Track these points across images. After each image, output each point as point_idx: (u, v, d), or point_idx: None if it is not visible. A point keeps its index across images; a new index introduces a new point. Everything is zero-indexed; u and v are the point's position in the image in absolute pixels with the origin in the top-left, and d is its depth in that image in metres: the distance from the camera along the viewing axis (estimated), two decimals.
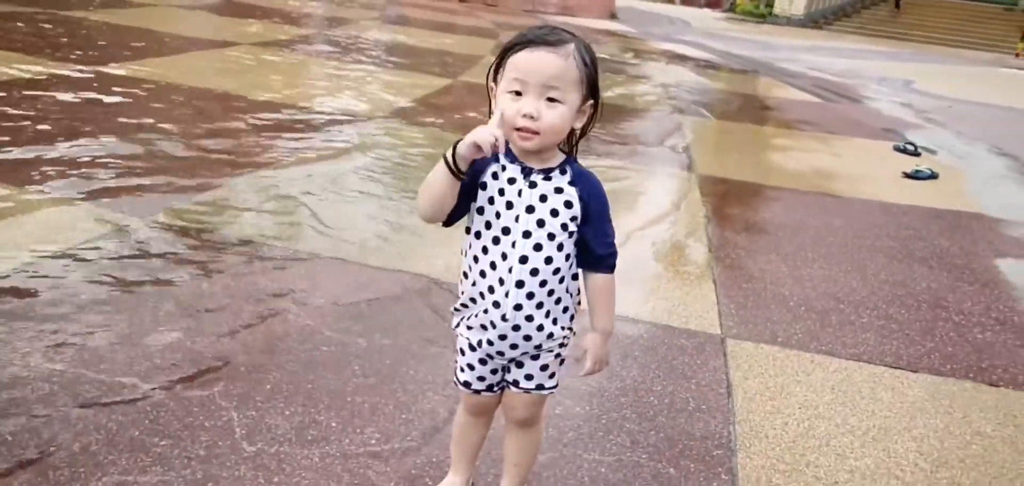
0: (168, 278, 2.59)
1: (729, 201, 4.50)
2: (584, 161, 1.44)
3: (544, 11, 19.10)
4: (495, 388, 1.53)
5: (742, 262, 3.47)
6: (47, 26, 7.00)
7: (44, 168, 3.42)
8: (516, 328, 1.40)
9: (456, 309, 1.49)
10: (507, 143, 1.33)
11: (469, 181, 1.33)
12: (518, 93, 1.31)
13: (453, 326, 1.52)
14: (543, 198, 1.36)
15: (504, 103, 1.32)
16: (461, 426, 1.65)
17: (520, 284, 1.37)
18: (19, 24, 6.91)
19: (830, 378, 2.50)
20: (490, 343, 1.44)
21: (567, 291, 1.43)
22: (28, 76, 5.04)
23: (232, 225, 3.12)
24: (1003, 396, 2.52)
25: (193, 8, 10.28)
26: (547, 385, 1.50)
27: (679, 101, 8.07)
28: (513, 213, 1.36)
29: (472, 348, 1.48)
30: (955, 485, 2.02)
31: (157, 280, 2.56)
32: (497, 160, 1.32)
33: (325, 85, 6.42)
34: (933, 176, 5.49)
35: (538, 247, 1.36)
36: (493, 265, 1.38)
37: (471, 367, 1.50)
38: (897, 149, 6.38)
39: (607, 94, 7.54)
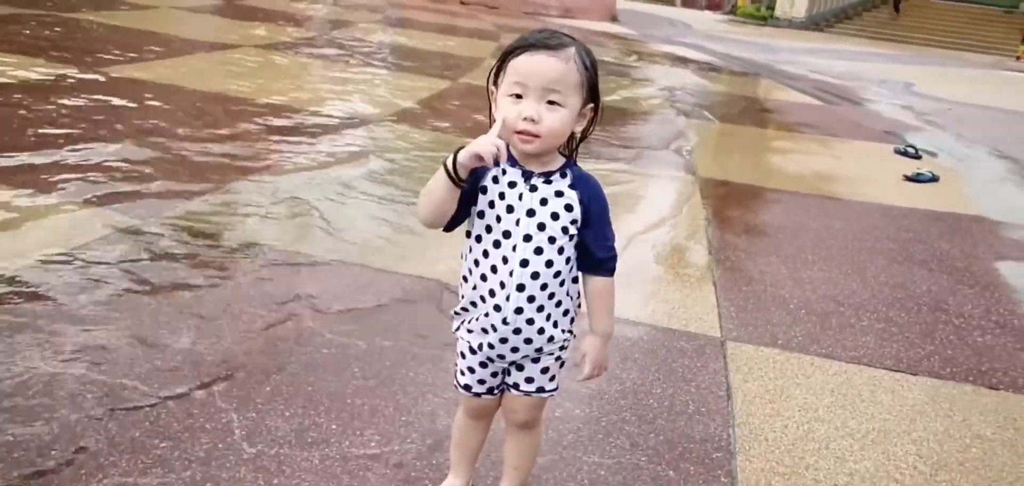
0: (169, 282, 2.60)
1: (729, 203, 4.51)
2: (585, 164, 1.44)
3: (545, 13, 19.11)
4: (495, 391, 1.53)
5: (742, 264, 3.47)
6: (49, 29, 7.02)
7: (51, 171, 3.42)
8: (517, 331, 1.41)
9: (456, 312, 1.50)
10: (508, 147, 1.33)
11: (469, 187, 1.33)
12: (519, 96, 1.31)
13: (453, 329, 1.52)
14: (544, 201, 1.36)
15: (505, 107, 1.32)
16: (461, 429, 1.65)
17: (521, 287, 1.37)
18: (21, 26, 6.92)
19: (830, 381, 2.50)
20: (491, 346, 1.44)
21: (567, 294, 1.44)
22: (33, 79, 5.05)
23: (234, 228, 3.13)
24: (1003, 399, 2.52)
25: (193, 10, 10.30)
26: (547, 388, 1.51)
27: (680, 103, 8.07)
28: (514, 217, 1.36)
29: (472, 351, 1.48)
30: None
31: (157, 283, 2.57)
32: (497, 164, 1.32)
33: (329, 88, 6.42)
34: (934, 179, 5.49)
35: (539, 250, 1.36)
36: (494, 268, 1.38)
37: (471, 370, 1.51)
38: (898, 152, 6.38)
39: (610, 97, 7.55)
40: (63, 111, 4.42)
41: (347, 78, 6.97)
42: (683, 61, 12.52)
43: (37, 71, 5.25)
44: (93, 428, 1.79)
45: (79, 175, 3.42)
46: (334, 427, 1.93)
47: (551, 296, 1.40)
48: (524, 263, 1.36)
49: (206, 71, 6.32)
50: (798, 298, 3.14)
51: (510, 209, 1.36)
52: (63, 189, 3.24)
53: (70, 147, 3.77)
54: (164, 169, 3.69)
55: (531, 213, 1.36)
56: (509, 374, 1.50)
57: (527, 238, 1.36)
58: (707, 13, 31.44)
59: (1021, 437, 2.31)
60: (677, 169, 5.16)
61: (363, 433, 1.92)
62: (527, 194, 1.36)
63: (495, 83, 1.37)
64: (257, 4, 11.74)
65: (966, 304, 3.30)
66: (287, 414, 1.95)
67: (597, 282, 1.44)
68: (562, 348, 1.48)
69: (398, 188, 3.94)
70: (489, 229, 1.38)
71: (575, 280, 1.45)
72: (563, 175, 1.38)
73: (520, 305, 1.38)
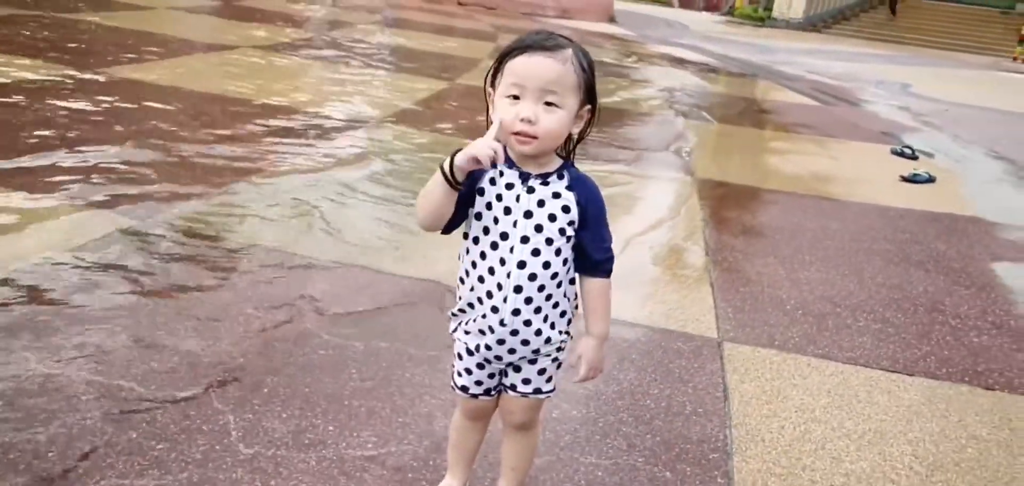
0: (166, 283, 2.59)
1: (727, 204, 4.52)
2: (583, 165, 1.45)
3: (542, 14, 19.12)
4: (492, 392, 1.54)
5: (739, 265, 3.48)
6: (48, 30, 7.00)
7: (50, 173, 3.42)
8: (514, 333, 1.41)
9: (454, 314, 1.50)
10: (505, 149, 1.34)
11: (466, 190, 1.33)
12: (516, 98, 1.31)
13: (451, 330, 1.52)
14: (541, 203, 1.36)
15: (502, 108, 1.32)
16: (458, 430, 1.65)
17: (518, 289, 1.38)
18: (20, 28, 6.91)
19: (826, 382, 2.50)
20: (488, 348, 1.44)
21: (565, 295, 1.44)
22: (32, 80, 5.04)
23: (232, 229, 3.12)
24: (999, 400, 2.53)
25: (190, 11, 10.29)
26: (544, 389, 1.51)
27: (678, 104, 8.08)
28: (511, 218, 1.36)
29: (470, 352, 1.48)
30: None
31: (155, 285, 2.57)
32: (495, 166, 1.32)
33: (328, 89, 6.42)
34: (930, 180, 5.50)
35: (536, 252, 1.37)
36: (491, 270, 1.38)
37: (469, 371, 1.51)
38: (894, 153, 6.40)
39: (608, 98, 7.56)
40: (63, 113, 4.41)
41: (346, 79, 6.96)
42: (681, 62, 12.53)
43: (36, 72, 5.24)
44: (90, 429, 1.79)
45: (78, 177, 3.42)
46: (331, 428, 1.93)
47: (548, 298, 1.40)
48: (521, 265, 1.37)
49: (205, 72, 6.31)
50: (795, 299, 3.15)
51: (507, 211, 1.36)
52: (62, 191, 3.23)
53: (70, 149, 3.77)
54: (163, 170, 3.69)
55: (528, 215, 1.36)
56: (506, 375, 1.50)
57: (524, 240, 1.36)
58: (704, 14, 31.47)
59: (1017, 437, 2.31)
60: (675, 170, 5.17)
61: (360, 434, 1.92)
62: (524, 196, 1.36)
63: (492, 85, 1.38)
64: (255, 5, 11.73)
65: (962, 305, 3.30)
66: (284, 415, 1.95)
67: (594, 284, 1.44)
68: (559, 349, 1.49)
69: (397, 189, 3.94)
70: (486, 231, 1.38)
71: (572, 281, 1.45)
72: (560, 177, 1.38)
73: (517, 307, 1.39)
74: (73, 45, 6.51)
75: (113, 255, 2.72)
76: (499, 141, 1.29)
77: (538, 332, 1.42)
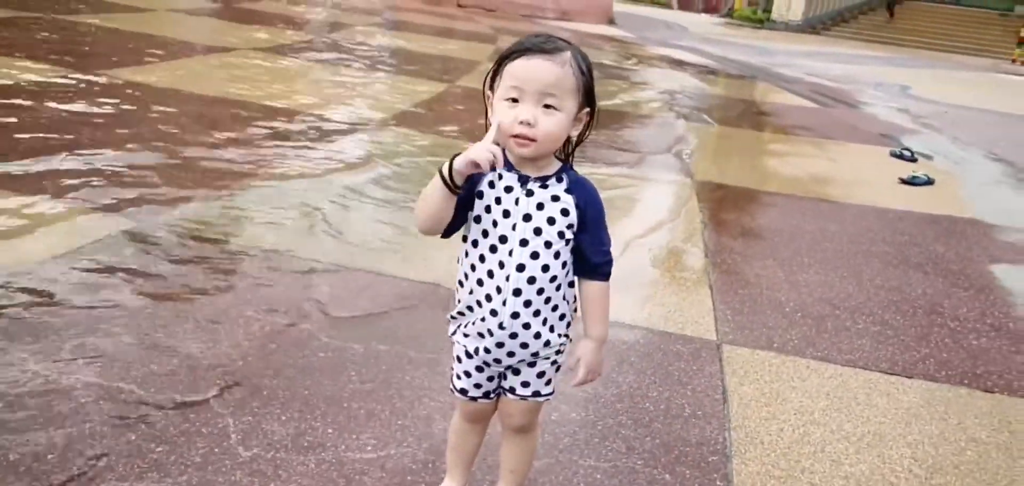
0: (166, 286, 2.59)
1: (726, 207, 4.52)
2: (583, 167, 1.45)
3: (541, 16, 19.13)
4: (491, 395, 1.54)
5: (738, 268, 3.48)
6: (48, 32, 7.00)
7: (54, 176, 3.41)
8: (513, 336, 1.41)
9: (453, 317, 1.50)
10: (504, 152, 1.34)
11: (465, 193, 1.34)
12: (515, 100, 1.32)
13: (450, 333, 1.52)
14: (540, 206, 1.37)
15: (501, 111, 1.33)
16: (457, 432, 1.65)
17: (517, 292, 1.38)
18: (20, 30, 6.91)
19: (825, 384, 2.51)
20: (487, 351, 1.44)
21: (564, 298, 1.44)
22: (34, 83, 5.04)
23: (232, 232, 3.12)
24: (998, 402, 2.53)
25: (189, 13, 10.29)
26: (543, 392, 1.51)
27: (676, 106, 8.09)
28: (510, 221, 1.36)
29: (469, 355, 1.48)
30: None
31: (155, 288, 2.57)
32: (493, 170, 1.32)
33: (329, 91, 6.42)
34: (929, 182, 5.51)
35: (535, 255, 1.37)
36: (490, 273, 1.39)
37: (468, 374, 1.51)
38: (893, 155, 6.40)
39: (609, 100, 7.57)
40: (65, 115, 4.41)
41: (347, 81, 6.97)
42: (680, 64, 12.55)
43: (38, 75, 5.24)
44: (90, 432, 1.79)
45: (80, 180, 3.41)
46: (330, 431, 1.93)
47: (547, 300, 1.40)
48: (520, 267, 1.37)
49: (205, 74, 6.32)
50: (794, 301, 3.15)
51: (506, 214, 1.37)
52: (63, 193, 3.23)
53: (71, 152, 3.77)
54: (163, 173, 3.69)
55: (527, 218, 1.36)
56: (505, 378, 1.51)
57: (523, 243, 1.36)
58: (703, 16, 31.50)
59: (1016, 440, 2.32)
60: (674, 172, 5.17)
61: (359, 437, 1.92)
62: (523, 199, 1.36)
63: (491, 88, 1.38)
64: (254, 7, 11.74)
65: (961, 307, 3.31)
66: (283, 418, 1.95)
67: (592, 286, 1.44)
68: (558, 352, 1.49)
69: (397, 191, 3.94)
70: (485, 234, 1.38)
71: (571, 284, 1.45)
72: (559, 179, 1.39)
73: (516, 309, 1.39)
74: (74, 47, 6.51)
75: (113, 258, 2.72)
76: (498, 144, 1.29)
77: (537, 335, 1.42)
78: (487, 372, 1.50)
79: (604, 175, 4.68)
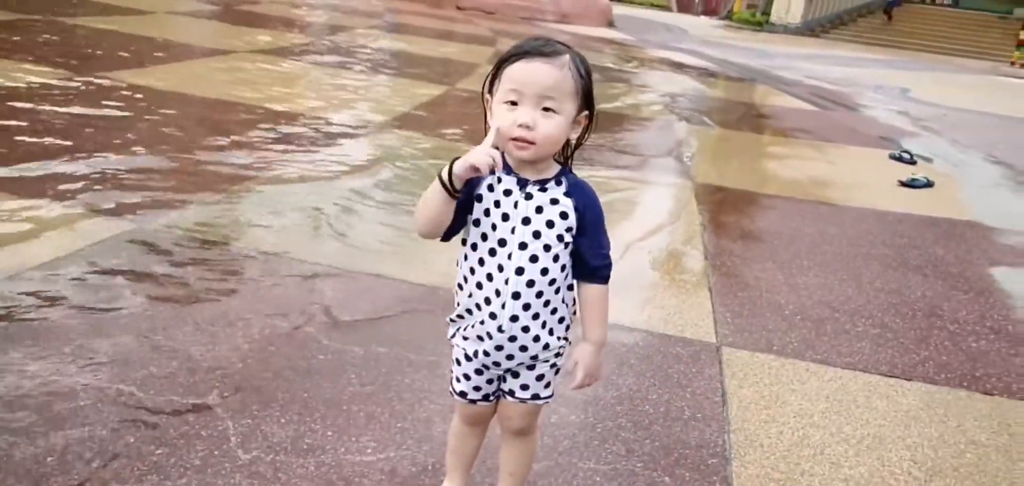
0: (166, 288, 2.60)
1: (725, 209, 4.52)
2: (583, 170, 1.45)
3: (541, 19, 19.15)
4: (491, 398, 1.54)
5: (738, 270, 3.48)
6: (50, 35, 7.01)
7: (55, 179, 3.41)
8: (512, 339, 1.41)
9: (452, 320, 1.50)
10: (503, 155, 1.34)
11: (465, 197, 1.34)
12: (514, 103, 1.32)
13: (449, 336, 1.52)
14: (539, 210, 1.37)
15: (500, 114, 1.33)
16: (457, 435, 1.65)
17: (516, 295, 1.38)
18: (21, 33, 6.91)
19: (825, 387, 2.51)
20: (486, 354, 1.44)
21: (563, 301, 1.44)
22: (37, 86, 5.04)
23: (232, 235, 3.13)
24: (997, 405, 2.53)
25: (189, 15, 10.30)
26: (543, 395, 1.51)
27: (676, 109, 8.10)
28: (509, 225, 1.37)
29: (468, 358, 1.48)
30: None
31: (155, 290, 2.57)
32: (493, 173, 1.33)
33: (330, 93, 6.42)
34: (928, 184, 5.51)
35: (534, 258, 1.37)
36: (489, 276, 1.39)
37: (467, 377, 1.51)
38: (893, 158, 6.41)
39: (610, 103, 7.57)
40: (67, 118, 4.41)
41: (347, 84, 6.97)
42: (680, 66, 12.56)
43: (40, 78, 5.23)
44: (89, 434, 1.79)
45: (81, 183, 3.41)
46: (330, 434, 1.93)
47: (546, 303, 1.41)
48: (519, 271, 1.37)
49: (207, 76, 6.32)
50: (793, 304, 3.15)
51: (505, 217, 1.37)
52: (65, 197, 3.23)
53: (73, 155, 3.76)
54: (163, 176, 3.69)
55: (526, 221, 1.37)
56: (505, 381, 1.51)
57: (522, 246, 1.37)
58: (703, 18, 31.53)
59: (1015, 442, 2.32)
60: (674, 175, 5.17)
61: (359, 440, 1.92)
62: (522, 202, 1.37)
63: (490, 91, 1.38)
64: (254, 9, 11.76)
65: (961, 309, 3.31)
66: (283, 421, 1.95)
67: (591, 289, 1.44)
68: (558, 355, 1.49)
69: (398, 194, 3.94)
70: (484, 237, 1.38)
71: (570, 287, 1.45)
72: (558, 182, 1.39)
73: (515, 312, 1.39)
74: (75, 50, 6.52)
75: (113, 260, 2.72)
76: (497, 148, 1.30)
77: (536, 338, 1.42)
78: (486, 375, 1.50)
79: (604, 177, 4.68)
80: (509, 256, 1.37)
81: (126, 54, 6.68)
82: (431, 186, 1.31)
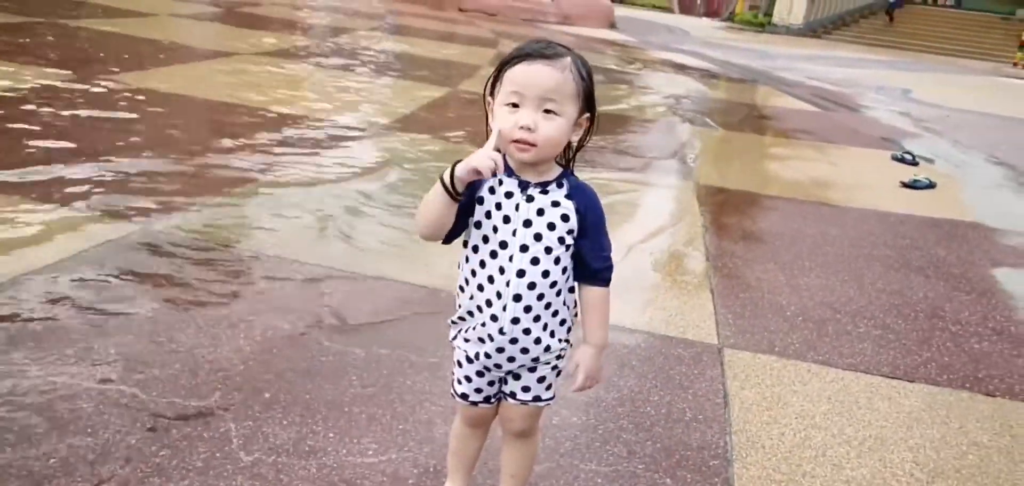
0: (167, 291, 2.60)
1: (727, 210, 4.52)
2: (585, 172, 1.45)
3: (543, 20, 19.16)
4: (492, 400, 1.54)
5: (739, 271, 3.48)
6: (55, 37, 7.03)
7: (59, 182, 3.41)
8: (513, 341, 1.41)
9: (453, 322, 1.50)
10: (504, 157, 1.34)
11: (466, 200, 1.34)
12: (515, 106, 1.32)
13: (450, 338, 1.52)
14: (540, 212, 1.37)
15: (501, 117, 1.33)
16: (458, 437, 1.66)
17: (517, 297, 1.38)
18: (25, 35, 6.93)
19: (827, 388, 2.51)
20: (487, 356, 1.45)
21: (564, 303, 1.44)
22: (41, 88, 5.05)
23: (234, 237, 3.13)
24: (999, 406, 2.53)
25: (191, 18, 10.32)
26: (544, 397, 1.51)
27: (678, 110, 8.10)
28: (510, 227, 1.37)
29: (469, 360, 1.49)
30: None
31: (156, 293, 2.57)
32: (494, 176, 1.33)
33: (332, 95, 6.43)
34: (930, 185, 5.51)
35: (535, 261, 1.37)
36: (490, 279, 1.39)
37: (468, 379, 1.51)
38: (895, 159, 6.41)
39: (613, 105, 7.57)
40: (69, 121, 4.42)
41: (350, 86, 6.98)
42: (682, 68, 12.56)
43: (43, 80, 5.24)
44: (91, 436, 1.80)
45: (85, 186, 3.42)
46: (331, 436, 1.93)
47: (547, 306, 1.41)
48: (521, 273, 1.37)
49: (209, 79, 6.33)
50: (795, 305, 3.15)
51: (507, 219, 1.37)
52: (69, 200, 3.24)
53: (77, 158, 3.77)
54: (166, 178, 3.70)
55: (528, 223, 1.37)
56: (506, 383, 1.51)
57: (524, 248, 1.37)
58: (704, 20, 31.53)
59: (1018, 444, 2.31)
60: (675, 176, 5.17)
61: (360, 441, 1.92)
62: (524, 204, 1.37)
63: (492, 93, 1.38)
64: (255, 11, 11.78)
65: (963, 311, 3.31)
66: (284, 422, 1.96)
67: (592, 292, 1.44)
68: (559, 357, 1.49)
69: (400, 196, 3.95)
70: (486, 239, 1.39)
71: (572, 289, 1.45)
72: (560, 185, 1.39)
73: (516, 315, 1.39)
74: (78, 52, 6.54)
75: (114, 263, 2.72)
76: (499, 150, 1.30)
77: (537, 340, 1.42)
78: (488, 377, 1.50)
79: (606, 179, 4.68)
80: (510, 258, 1.37)
81: (130, 56, 6.70)
82: (433, 189, 1.32)
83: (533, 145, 1.32)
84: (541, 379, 1.49)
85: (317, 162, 4.32)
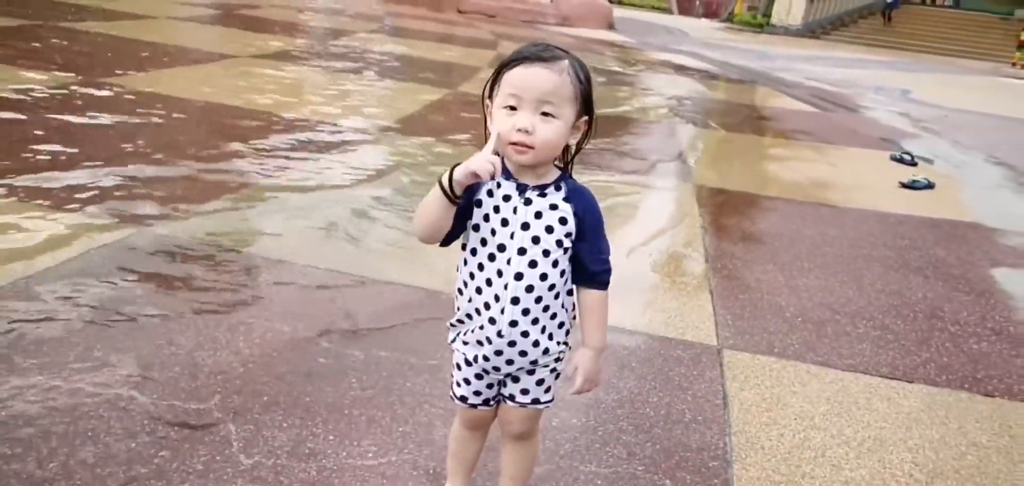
0: (168, 294, 2.60)
1: (726, 211, 4.52)
2: (586, 173, 1.46)
3: (543, 22, 19.17)
4: (491, 402, 1.54)
5: (739, 273, 3.48)
6: (57, 41, 7.03)
7: (62, 187, 3.41)
8: (512, 344, 1.42)
9: (452, 324, 1.51)
10: (503, 160, 1.35)
11: (464, 203, 1.34)
12: (513, 108, 1.33)
13: (449, 341, 1.53)
14: (538, 215, 1.37)
15: (499, 119, 1.34)
16: (458, 439, 1.66)
17: (515, 300, 1.38)
18: (26, 38, 6.93)
19: (826, 389, 2.51)
20: (486, 358, 1.45)
21: (562, 306, 1.45)
22: (44, 93, 5.05)
23: (234, 241, 3.13)
24: (998, 406, 2.53)
25: (191, 21, 10.33)
26: (543, 399, 1.52)
27: (677, 111, 8.10)
28: (508, 230, 1.37)
29: (468, 363, 1.49)
30: None
31: (156, 296, 2.58)
32: (493, 178, 1.33)
33: (333, 98, 6.42)
34: (930, 186, 5.51)
35: (533, 263, 1.38)
36: (489, 281, 1.39)
37: (467, 382, 1.51)
38: (894, 159, 6.41)
39: (610, 107, 7.58)
40: (74, 125, 4.43)
41: (351, 88, 6.99)
42: (681, 69, 12.57)
43: (45, 85, 5.24)
44: (91, 439, 1.80)
45: (87, 192, 3.42)
46: (331, 438, 1.93)
47: (546, 308, 1.41)
48: (519, 276, 1.38)
49: (211, 81, 6.32)
50: (794, 306, 3.15)
51: (505, 222, 1.37)
52: (71, 204, 3.24)
53: (78, 162, 3.78)
54: (166, 183, 3.70)
55: (525, 226, 1.37)
56: (505, 385, 1.51)
57: (521, 251, 1.37)
58: (703, 20, 31.55)
59: (1016, 444, 2.32)
60: (674, 177, 5.18)
61: (360, 444, 1.92)
62: (521, 207, 1.37)
63: (490, 96, 1.39)
64: (254, 14, 11.78)
65: (962, 311, 3.31)
66: (284, 425, 1.96)
67: (590, 295, 1.45)
68: (558, 360, 1.49)
69: (400, 198, 3.95)
70: (484, 242, 1.39)
71: (570, 292, 1.46)
72: (557, 188, 1.39)
73: (515, 318, 1.39)
74: (79, 56, 6.54)
75: (115, 267, 2.73)
76: (497, 154, 1.30)
77: (536, 343, 1.43)
78: (486, 380, 1.50)
79: (605, 181, 4.69)
80: (508, 261, 1.37)
81: (132, 59, 6.70)
82: (431, 192, 1.32)
83: (531, 148, 1.32)
84: (540, 382, 1.49)
85: (319, 165, 4.32)
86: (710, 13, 34.20)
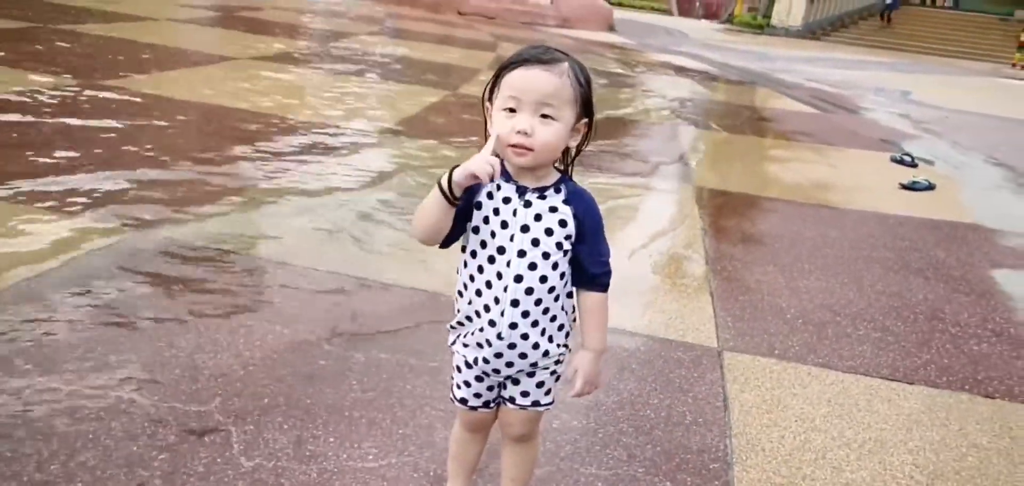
0: (168, 296, 2.61)
1: (726, 213, 4.52)
2: (587, 175, 1.46)
3: (543, 24, 19.18)
4: (491, 404, 1.54)
5: (739, 274, 3.48)
6: (59, 44, 7.04)
7: (64, 190, 3.41)
8: (512, 346, 1.42)
9: (452, 327, 1.51)
10: (503, 162, 1.35)
11: (464, 204, 1.35)
12: (513, 111, 1.33)
13: (449, 343, 1.53)
14: (538, 217, 1.37)
15: (499, 122, 1.34)
16: (458, 441, 1.66)
17: (515, 303, 1.38)
18: (26, 41, 6.94)
19: (827, 391, 2.51)
20: (486, 361, 1.45)
21: (562, 309, 1.45)
22: (45, 94, 5.06)
23: (235, 243, 3.14)
24: (999, 408, 2.53)
25: (194, 23, 10.34)
26: (543, 402, 1.52)
27: (677, 112, 8.11)
28: (508, 232, 1.37)
29: (468, 365, 1.49)
30: None
31: (156, 299, 2.58)
32: (492, 181, 1.34)
33: (334, 100, 6.42)
34: (930, 187, 5.51)
35: (533, 266, 1.38)
36: (488, 284, 1.39)
37: (467, 384, 1.52)
38: (894, 160, 6.41)
39: (612, 109, 7.58)
40: (76, 128, 4.42)
41: (352, 90, 6.99)
42: (681, 70, 12.57)
43: (46, 88, 5.25)
44: (91, 441, 1.80)
45: (88, 195, 3.42)
46: (332, 440, 1.93)
47: (545, 311, 1.41)
48: (518, 278, 1.38)
49: (213, 83, 6.33)
50: (795, 308, 3.15)
51: (504, 224, 1.37)
52: (72, 207, 3.25)
53: (80, 165, 3.78)
54: (165, 186, 3.70)
55: (525, 228, 1.37)
56: (505, 388, 1.51)
57: (521, 253, 1.37)
58: (703, 22, 31.56)
59: (1017, 446, 2.31)
60: (674, 179, 5.18)
61: (361, 446, 1.93)
62: (521, 209, 1.37)
63: (490, 98, 1.39)
64: (255, 16, 11.80)
65: (962, 312, 3.31)
66: (285, 427, 1.96)
67: (590, 297, 1.45)
68: (558, 362, 1.49)
69: (400, 199, 3.95)
70: (484, 244, 1.39)
71: (570, 294, 1.46)
72: (557, 190, 1.39)
73: (515, 320, 1.40)
74: (83, 58, 6.54)
75: (116, 270, 2.73)
76: (497, 155, 1.30)
77: (536, 346, 1.43)
78: (487, 382, 1.50)
79: (605, 183, 4.69)
80: (508, 263, 1.38)
81: (133, 61, 6.71)
82: (430, 193, 1.32)
83: (530, 150, 1.32)
84: (540, 384, 1.49)
85: (320, 167, 4.33)
86: (710, 14, 34.20)
